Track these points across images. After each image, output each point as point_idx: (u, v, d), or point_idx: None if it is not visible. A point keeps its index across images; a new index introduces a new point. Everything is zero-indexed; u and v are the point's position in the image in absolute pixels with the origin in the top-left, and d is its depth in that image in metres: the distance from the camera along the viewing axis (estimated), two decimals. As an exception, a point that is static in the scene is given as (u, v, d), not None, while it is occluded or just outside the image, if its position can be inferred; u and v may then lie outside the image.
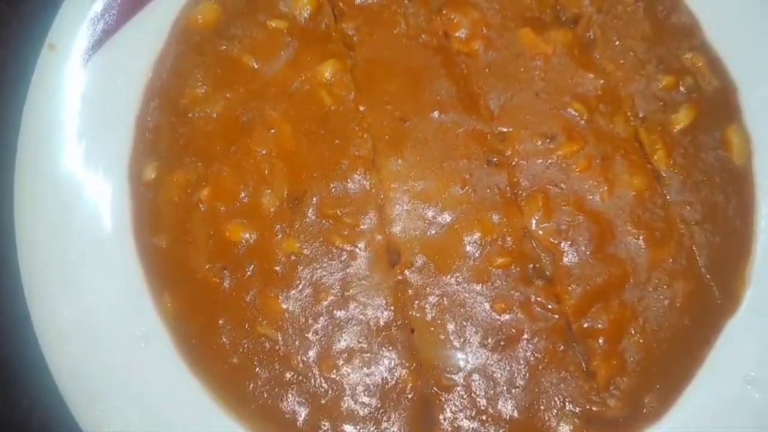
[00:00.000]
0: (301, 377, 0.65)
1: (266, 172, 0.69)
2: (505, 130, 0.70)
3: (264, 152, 0.69)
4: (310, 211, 0.68)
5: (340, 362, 0.65)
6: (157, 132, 0.70)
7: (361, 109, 0.70)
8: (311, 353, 0.66)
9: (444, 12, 0.72)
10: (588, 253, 0.67)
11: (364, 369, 0.65)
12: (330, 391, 0.65)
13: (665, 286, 0.67)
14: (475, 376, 0.65)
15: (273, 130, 0.70)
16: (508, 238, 0.67)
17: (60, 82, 0.70)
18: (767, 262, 0.67)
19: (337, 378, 0.65)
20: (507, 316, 0.66)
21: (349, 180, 0.68)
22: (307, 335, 0.66)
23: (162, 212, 0.69)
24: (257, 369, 0.65)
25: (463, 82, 0.71)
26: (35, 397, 0.74)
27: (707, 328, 0.67)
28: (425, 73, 0.71)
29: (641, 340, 0.66)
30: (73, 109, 0.70)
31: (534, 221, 0.68)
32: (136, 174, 0.70)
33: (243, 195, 0.68)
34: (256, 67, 0.71)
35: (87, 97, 0.70)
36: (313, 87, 0.70)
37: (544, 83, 0.71)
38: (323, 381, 0.65)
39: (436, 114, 0.70)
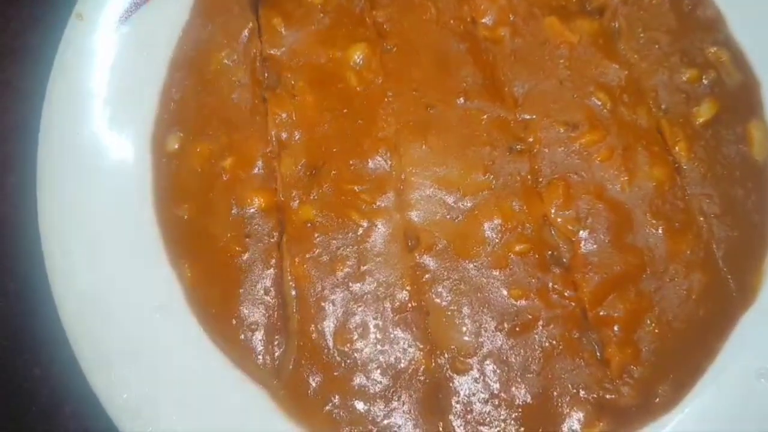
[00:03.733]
0: (314, 346, 0.65)
1: (284, 136, 0.69)
2: (528, 117, 0.70)
3: (284, 116, 0.70)
4: (327, 183, 0.68)
5: (355, 336, 0.65)
6: (182, 102, 0.71)
7: (389, 94, 0.70)
8: (326, 323, 0.65)
9: (477, 9, 0.73)
10: (606, 241, 0.67)
11: (378, 346, 0.65)
12: (343, 364, 0.65)
13: (682, 278, 0.67)
14: (489, 361, 0.65)
15: (296, 98, 0.70)
16: (528, 225, 0.68)
17: (87, 51, 0.71)
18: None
19: (351, 352, 0.65)
20: (523, 302, 0.66)
21: (369, 159, 0.69)
22: (323, 304, 0.66)
23: (185, 183, 0.69)
24: (275, 338, 0.66)
25: (489, 69, 0.71)
26: (46, 366, 0.74)
27: (722, 321, 0.67)
28: (452, 60, 0.71)
29: (656, 330, 0.66)
30: (99, 78, 0.70)
31: (553, 209, 0.68)
32: (159, 144, 0.70)
33: (261, 161, 0.69)
34: (284, 33, 0.72)
35: (113, 66, 0.71)
36: (340, 66, 0.70)
37: (569, 72, 0.71)
38: (336, 353, 0.65)
39: (461, 100, 0.70)
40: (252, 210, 0.68)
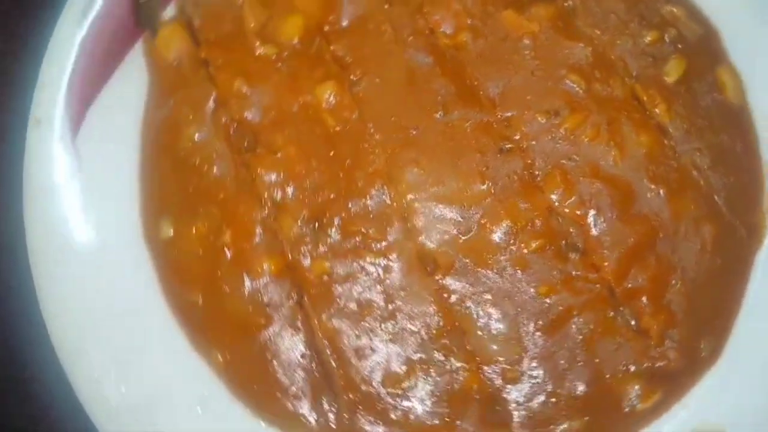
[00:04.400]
0: (365, 396, 0.65)
1: (278, 196, 0.68)
2: (509, 114, 0.70)
3: (273, 176, 0.68)
4: (333, 231, 0.67)
5: (402, 375, 0.65)
6: (163, 187, 0.68)
7: (369, 126, 0.69)
8: (370, 371, 0.65)
9: (425, 10, 0.72)
10: (614, 217, 0.68)
11: (427, 378, 0.65)
12: (398, 406, 0.65)
13: (693, 234, 0.69)
14: (536, 362, 0.66)
15: (279, 154, 0.68)
16: (536, 221, 0.68)
17: (51, 156, 0.67)
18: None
19: (403, 392, 0.65)
20: (553, 297, 0.67)
21: (367, 197, 0.68)
22: (361, 353, 0.65)
23: (189, 267, 0.67)
24: (323, 398, 0.65)
25: (459, 77, 0.71)
26: (35, 369, 0.72)
27: (740, 264, 0.69)
28: (421, 76, 0.70)
29: (683, 289, 0.68)
30: (73, 180, 0.67)
31: (556, 199, 0.69)
32: (152, 234, 0.68)
33: (260, 227, 0.67)
34: (248, 93, 0.69)
35: (84, 166, 0.67)
36: (314, 110, 0.69)
37: (537, 61, 0.71)
38: (389, 397, 0.65)
39: (440, 114, 0.70)
40: (265, 278, 0.66)
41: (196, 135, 0.69)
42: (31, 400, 0.74)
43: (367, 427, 0.64)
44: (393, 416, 0.64)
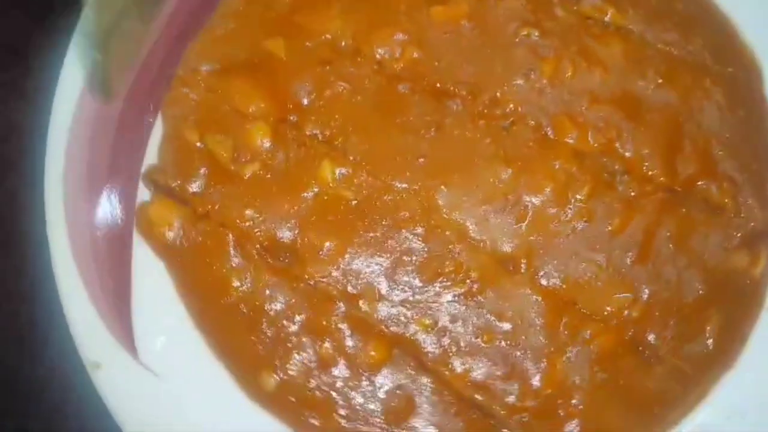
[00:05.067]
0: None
1: (349, 288, 0.67)
2: (490, 96, 0.70)
3: (332, 274, 0.67)
4: (414, 289, 0.67)
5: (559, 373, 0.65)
6: (243, 344, 0.66)
7: (382, 180, 0.68)
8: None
9: (363, 50, 0.71)
10: (633, 127, 0.70)
11: (575, 361, 0.66)
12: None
13: (705, 101, 0.71)
14: (650, 291, 0.67)
15: (322, 252, 0.67)
16: (572, 169, 0.69)
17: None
18: (755, 29, 0.73)
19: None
20: (628, 227, 0.68)
21: (421, 241, 0.67)
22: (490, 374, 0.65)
23: (308, 399, 0.66)
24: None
25: (429, 88, 0.70)
26: (49, 366, 0.75)
27: (756, 102, 0.72)
28: (398, 109, 0.70)
29: (727, 152, 0.70)
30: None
31: (575, 141, 0.70)
32: (255, 390, 0.66)
33: (348, 323, 0.66)
34: (259, 216, 0.68)
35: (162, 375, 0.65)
36: (326, 194, 0.68)
37: (485, 36, 0.71)
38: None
39: (433, 132, 0.69)
40: (378, 370, 0.66)
41: (239, 282, 0.67)
42: (47, 395, 0.75)
43: None
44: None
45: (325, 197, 0.68)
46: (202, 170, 0.69)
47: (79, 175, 0.66)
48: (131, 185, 0.68)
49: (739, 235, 0.68)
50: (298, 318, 0.66)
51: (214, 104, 0.70)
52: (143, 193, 0.69)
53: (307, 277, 0.67)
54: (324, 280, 0.67)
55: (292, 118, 0.70)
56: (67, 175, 0.65)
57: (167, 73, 0.70)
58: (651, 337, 0.66)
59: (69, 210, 0.66)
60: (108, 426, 0.64)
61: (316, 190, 0.68)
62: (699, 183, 0.69)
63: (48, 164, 0.66)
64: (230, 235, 0.67)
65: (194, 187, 0.68)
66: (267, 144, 0.69)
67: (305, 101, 0.70)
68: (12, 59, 0.81)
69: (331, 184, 0.68)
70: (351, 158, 0.69)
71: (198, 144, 0.69)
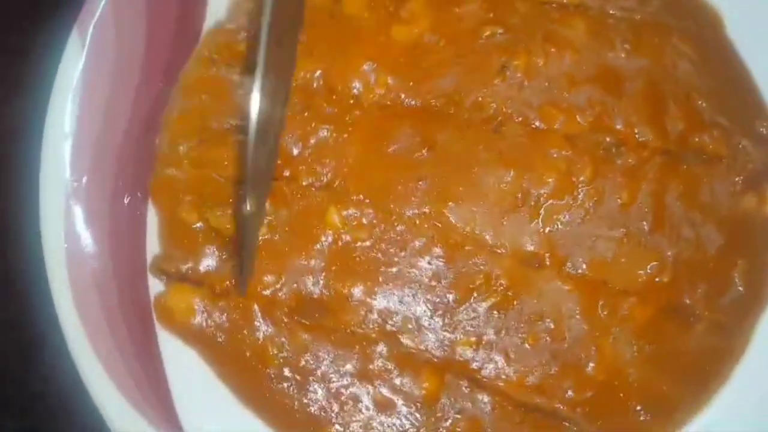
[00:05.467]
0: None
1: (387, 327, 0.66)
2: (472, 100, 0.70)
3: (367, 317, 0.66)
4: (450, 311, 0.66)
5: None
6: (292, 408, 0.65)
7: (389, 214, 0.68)
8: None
9: (336, 87, 0.70)
10: (616, 100, 0.70)
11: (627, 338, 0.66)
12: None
13: (677, 57, 0.71)
14: (673, 255, 0.67)
15: (352, 299, 0.66)
16: (567, 154, 0.69)
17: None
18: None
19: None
20: (639, 197, 0.68)
21: (445, 264, 0.67)
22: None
23: None
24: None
25: (409, 110, 0.70)
26: (52, 364, 0.77)
27: (722, 46, 0.74)
28: (385, 138, 0.69)
29: (709, 101, 0.70)
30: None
31: (562, 127, 0.70)
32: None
33: (395, 363, 0.66)
34: (279, 280, 0.67)
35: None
36: (340, 239, 0.67)
37: (452, 45, 0.71)
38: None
39: (425, 152, 0.69)
40: (434, 396, 0.66)
41: (276, 349, 0.66)
42: (44, 396, 0.77)
43: None
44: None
45: (339, 243, 0.67)
46: (209, 248, 0.67)
47: (89, 290, 0.63)
48: (142, 280, 0.66)
49: (741, 178, 0.69)
50: (344, 369, 0.66)
51: (203, 178, 0.69)
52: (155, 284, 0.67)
53: (342, 326, 0.66)
54: (360, 325, 0.66)
55: (285, 173, 0.68)
56: (77, 295, 0.63)
57: (146, 157, 0.68)
58: (685, 298, 0.67)
59: (85, 320, 0.64)
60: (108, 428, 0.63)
61: (328, 238, 0.67)
62: (691, 137, 0.70)
63: (57, 292, 0.64)
64: (255, 306, 0.66)
65: (206, 266, 0.67)
66: (270, 214, 0.68)
67: (294, 152, 0.69)
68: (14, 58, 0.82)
69: (341, 229, 0.67)
70: (354, 198, 0.68)
71: (198, 224, 0.67)
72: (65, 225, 0.64)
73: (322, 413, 0.65)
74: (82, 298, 0.63)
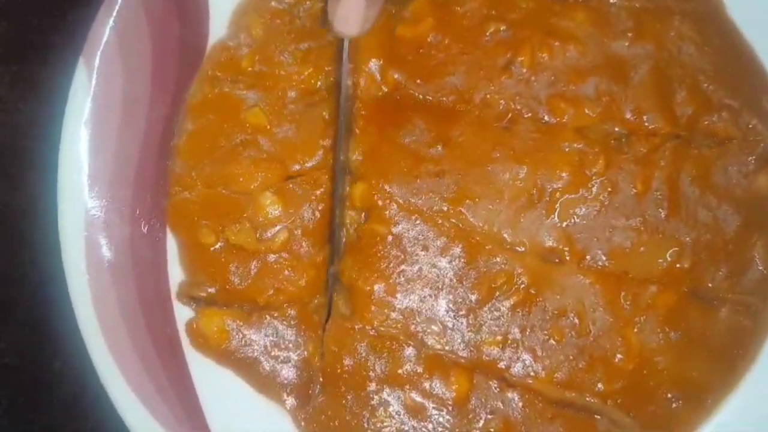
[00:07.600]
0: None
1: (402, 336, 0.66)
2: (481, 98, 0.70)
3: (385, 322, 0.66)
4: (474, 311, 0.67)
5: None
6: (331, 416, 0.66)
7: (409, 203, 0.68)
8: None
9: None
10: (623, 88, 0.70)
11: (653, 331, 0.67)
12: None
13: (680, 41, 0.71)
14: (692, 239, 0.68)
15: (373, 296, 0.66)
16: (579, 146, 0.69)
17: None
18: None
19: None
20: (653, 185, 0.68)
21: (466, 264, 0.67)
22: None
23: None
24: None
25: (420, 105, 0.70)
26: (66, 358, 0.76)
27: (727, 28, 0.73)
28: (400, 132, 0.70)
29: (716, 83, 0.71)
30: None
31: (572, 120, 0.70)
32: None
33: (412, 386, 0.66)
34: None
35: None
36: (361, 232, 0.68)
37: (457, 42, 0.71)
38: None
39: (440, 148, 0.69)
40: (466, 397, 0.66)
41: (347, 360, 0.66)
42: (61, 389, 0.76)
43: None
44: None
45: (361, 237, 0.68)
46: (233, 266, 0.67)
47: (117, 321, 0.64)
48: (168, 305, 0.66)
49: (753, 158, 0.69)
50: (373, 374, 0.66)
51: (218, 197, 0.69)
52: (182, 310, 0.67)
53: (367, 327, 0.66)
54: (384, 324, 0.66)
55: (296, 167, 0.69)
56: (105, 330, 0.63)
57: (161, 183, 0.68)
58: (707, 282, 0.68)
59: (114, 349, 0.64)
60: (121, 423, 0.63)
61: (351, 231, 0.68)
62: (701, 121, 0.70)
63: (84, 325, 0.64)
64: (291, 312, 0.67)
65: (233, 284, 0.67)
66: (278, 211, 0.68)
67: (309, 164, 0.69)
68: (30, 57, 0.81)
69: (363, 222, 0.68)
70: (374, 194, 0.68)
71: (218, 245, 0.67)
72: (86, 256, 0.64)
73: (354, 420, 0.65)
74: (111, 334, 0.63)
